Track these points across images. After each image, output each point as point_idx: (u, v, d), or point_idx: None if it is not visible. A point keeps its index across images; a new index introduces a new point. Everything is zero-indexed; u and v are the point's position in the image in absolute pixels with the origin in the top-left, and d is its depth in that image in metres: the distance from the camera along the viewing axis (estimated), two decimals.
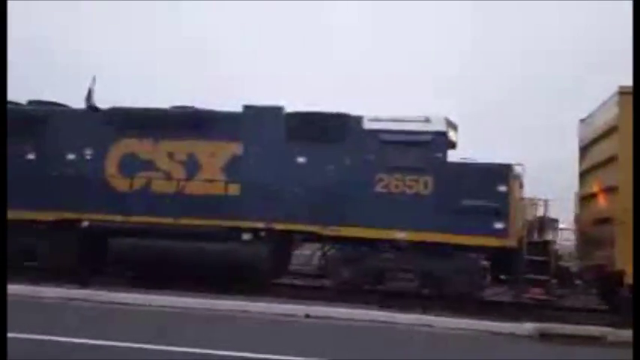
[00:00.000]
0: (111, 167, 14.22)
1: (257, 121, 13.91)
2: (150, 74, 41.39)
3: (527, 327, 10.31)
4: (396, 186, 12.92)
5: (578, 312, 13.23)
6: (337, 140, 13.41)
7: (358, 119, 13.42)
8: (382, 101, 37.93)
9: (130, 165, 14.14)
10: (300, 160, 13.61)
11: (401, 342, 9.34)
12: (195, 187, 13.82)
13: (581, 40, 46.83)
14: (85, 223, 13.81)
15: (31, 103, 15.53)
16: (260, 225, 13.37)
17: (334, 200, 13.11)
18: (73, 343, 7.68)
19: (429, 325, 10.42)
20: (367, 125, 13.26)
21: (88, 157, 14.34)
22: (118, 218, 13.73)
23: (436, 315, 11.01)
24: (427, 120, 13.06)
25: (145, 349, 7.52)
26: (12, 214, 13.73)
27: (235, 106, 14.25)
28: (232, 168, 13.84)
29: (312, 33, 55.91)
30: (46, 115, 14.75)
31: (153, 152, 14.12)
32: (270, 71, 49.90)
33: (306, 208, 13.16)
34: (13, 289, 11.17)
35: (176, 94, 29.13)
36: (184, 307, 11.17)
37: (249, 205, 13.49)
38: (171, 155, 14.08)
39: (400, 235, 12.78)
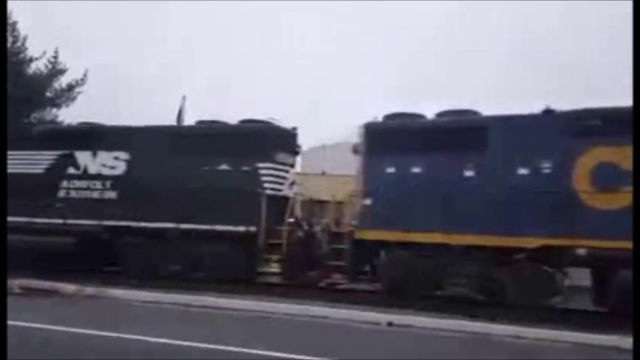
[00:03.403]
0: (581, 181, 10.62)
1: None
2: None
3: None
4: None
5: None
6: None
7: None
8: None
9: (609, 177, 10.48)
10: None
11: (492, 354, 8.40)
12: None
13: None
14: (581, 251, 10.28)
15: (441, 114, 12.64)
16: None
17: None
18: None
19: (521, 337, 9.13)
20: None
21: (547, 170, 10.91)
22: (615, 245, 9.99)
23: (528, 326, 9.54)
24: None
25: None
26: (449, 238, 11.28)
27: None
28: None
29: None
30: (488, 125, 11.76)
31: None
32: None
33: None
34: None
35: None
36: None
37: None
38: None
39: None
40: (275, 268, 14.41)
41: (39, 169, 15.52)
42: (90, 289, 12.47)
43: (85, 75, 28.14)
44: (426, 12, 46.41)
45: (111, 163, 14.93)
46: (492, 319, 10.33)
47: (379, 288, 13.01)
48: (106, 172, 14.93)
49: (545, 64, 37.83)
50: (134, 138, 15.08)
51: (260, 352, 7.15)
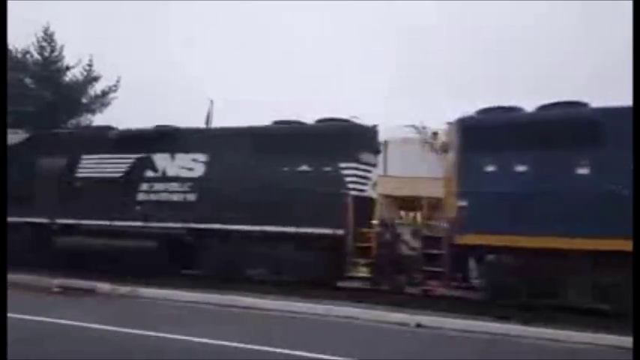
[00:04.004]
0: None
1: None
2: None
3: None
4: None
5: None
6: None
7: None
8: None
9: None
10: None
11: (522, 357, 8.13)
12: None
13: None
14: None
15: (544, 107, 11.95)
16: None
17: None
18: None
19: (555, 340, 8.74)
20: None
21: None
22: None
23: (562, 328, 9.14)
24: None
25: None
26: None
27: None
28: None
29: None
30: (604, 117, 11.04)
31: None
32: None
33: None
34: None
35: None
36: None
37: None
38: None
39: None
40: (363, 272, 13.75)
41: (117, 173, 15.16)
42: (123, 289, 12.68)
43: (117, 81, 28.45)
44: (425, 12, 46.31)
45: (189, 165, 14.53)
46: (526, 321, 9.88)
47: (469, 295, 12.41)
48: (184, 174, 14.52)
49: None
50: (212, 140, 14.72)
51: (304, 353, 7.27)
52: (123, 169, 15.10)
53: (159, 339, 8.13)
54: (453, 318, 9.97)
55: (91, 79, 28.16)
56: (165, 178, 14.63)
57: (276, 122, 14.59)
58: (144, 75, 37.03)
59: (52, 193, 15.47)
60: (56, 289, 12.96)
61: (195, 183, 14.34)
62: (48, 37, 27.32)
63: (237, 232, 13.63)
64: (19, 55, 27.06)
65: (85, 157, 15.65)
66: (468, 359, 8.11)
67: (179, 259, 14.53)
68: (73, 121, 27.40)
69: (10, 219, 15.46)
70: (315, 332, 9.39)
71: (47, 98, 26.10)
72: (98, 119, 27.59)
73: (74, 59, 27.61)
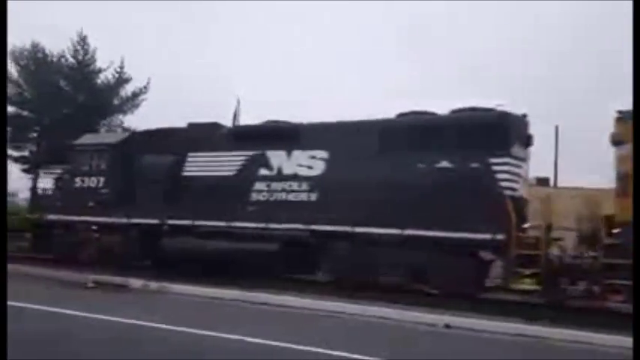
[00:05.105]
0: None
1: None
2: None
3: None
4: None
5: None
6: None
7: None
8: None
9: None
10: None
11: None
12: None
13: None
14: None
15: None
16: None
17: None
18: None
19: (588, 343, 8.14)
20: None
21: None
22: None
23: (591, 331, 8.46)
24: None
25: None
26: None
27: None
28: None
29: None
30: None
31: None
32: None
33: None
34: None
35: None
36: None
37: None
38: None
39: None
40: (528, 284, 11.67)
41: (228, 171, 13.75)
42: (154, 285, 12.34)
43: (148, 83, 27.62)
44: (425, 11, 45.41)
45: (307, 162, 13.04)
46: (552, 321, 9.20)
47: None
48: (302, 172, 13.05)
49: None
50: (332, 135, 13.13)
51: (344, 354, 6.99)
52: (234, 168, 13.69)
53: (224, 340, 7.62)
54: (482, 319, 9.39)
55: (122, 81, 27.18)
56: (281, 177, 13.18)
57: (400, 114, 12.81)
58: (167, 74, 35.37)
59: (158, 192, 14.20)
60: (91, 285, 12.61)
61: (315, 182, 12.87)
62: (81, 40, 26.54)
63: (369, 234, 12.02)
64: (55, 59, 26.39)
65: (192, 154, 14.30)
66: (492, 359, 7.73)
67: (300, 262, 13.03)
68: (105, 123, 26.65)
69: (113, 219, 14.73)
70: (353, 332, 9.06)
71: (80, 100, 25.52)
72: (128, 120, 27.06)
73: (106, 62, 26.96)
